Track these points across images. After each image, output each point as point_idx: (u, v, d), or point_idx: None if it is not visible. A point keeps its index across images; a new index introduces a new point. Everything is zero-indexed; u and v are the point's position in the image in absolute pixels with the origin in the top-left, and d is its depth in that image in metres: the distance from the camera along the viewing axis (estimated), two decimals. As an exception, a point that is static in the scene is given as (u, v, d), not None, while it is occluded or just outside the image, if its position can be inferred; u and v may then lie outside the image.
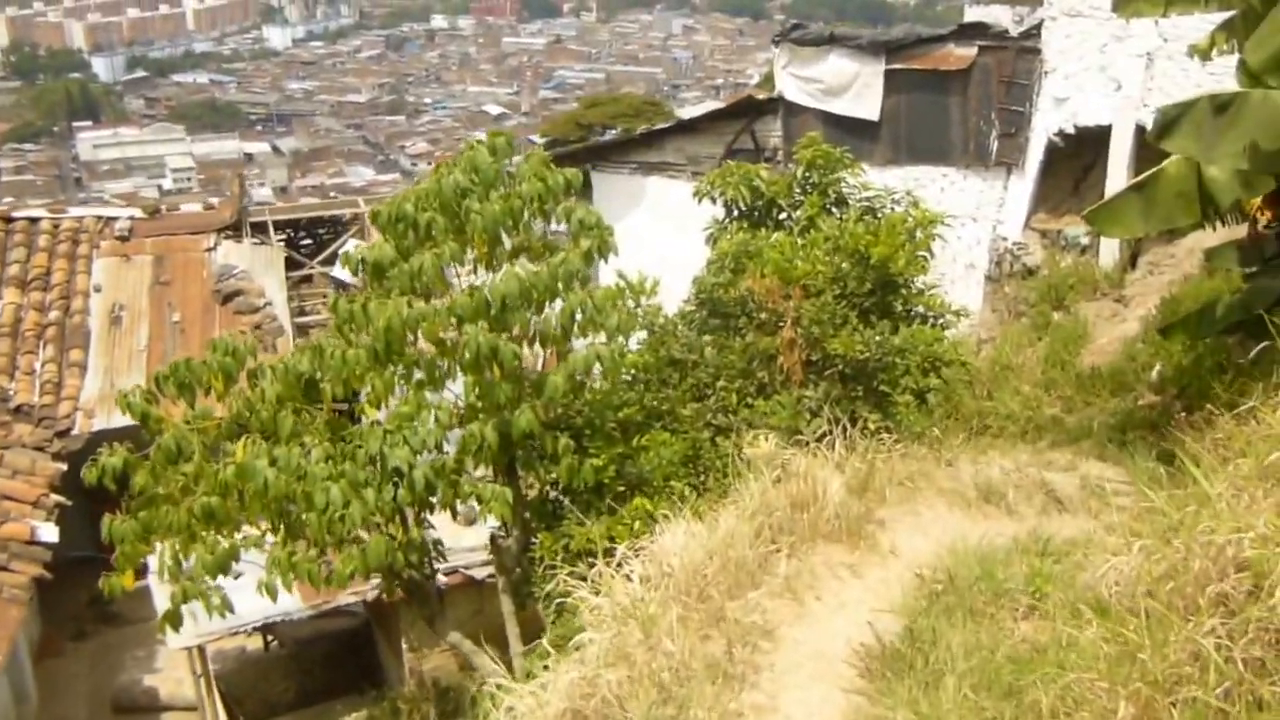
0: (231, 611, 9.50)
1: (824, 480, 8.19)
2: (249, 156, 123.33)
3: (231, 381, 9.78)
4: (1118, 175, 17.74)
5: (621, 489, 9.79)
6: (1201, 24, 15.95)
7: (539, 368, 9.86)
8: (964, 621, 6.54)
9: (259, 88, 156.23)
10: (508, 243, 9.68)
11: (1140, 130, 17.57)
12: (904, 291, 10.14)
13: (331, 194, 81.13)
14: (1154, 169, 9.32)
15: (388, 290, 9.47)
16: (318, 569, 9.02)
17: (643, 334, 10.95)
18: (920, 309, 10.58)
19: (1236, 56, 12.06)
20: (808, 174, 11.59)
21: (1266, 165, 8.42)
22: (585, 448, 9.79)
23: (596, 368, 9.39)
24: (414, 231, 9.44)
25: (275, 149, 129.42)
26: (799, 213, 11.64)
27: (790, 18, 19.97)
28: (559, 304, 9.23)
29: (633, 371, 10.58)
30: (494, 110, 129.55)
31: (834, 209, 11.62)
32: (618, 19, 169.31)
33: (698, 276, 10.98)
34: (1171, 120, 8.52)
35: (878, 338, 9.57)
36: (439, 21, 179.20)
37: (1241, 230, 14.55)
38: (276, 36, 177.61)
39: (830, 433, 8.92)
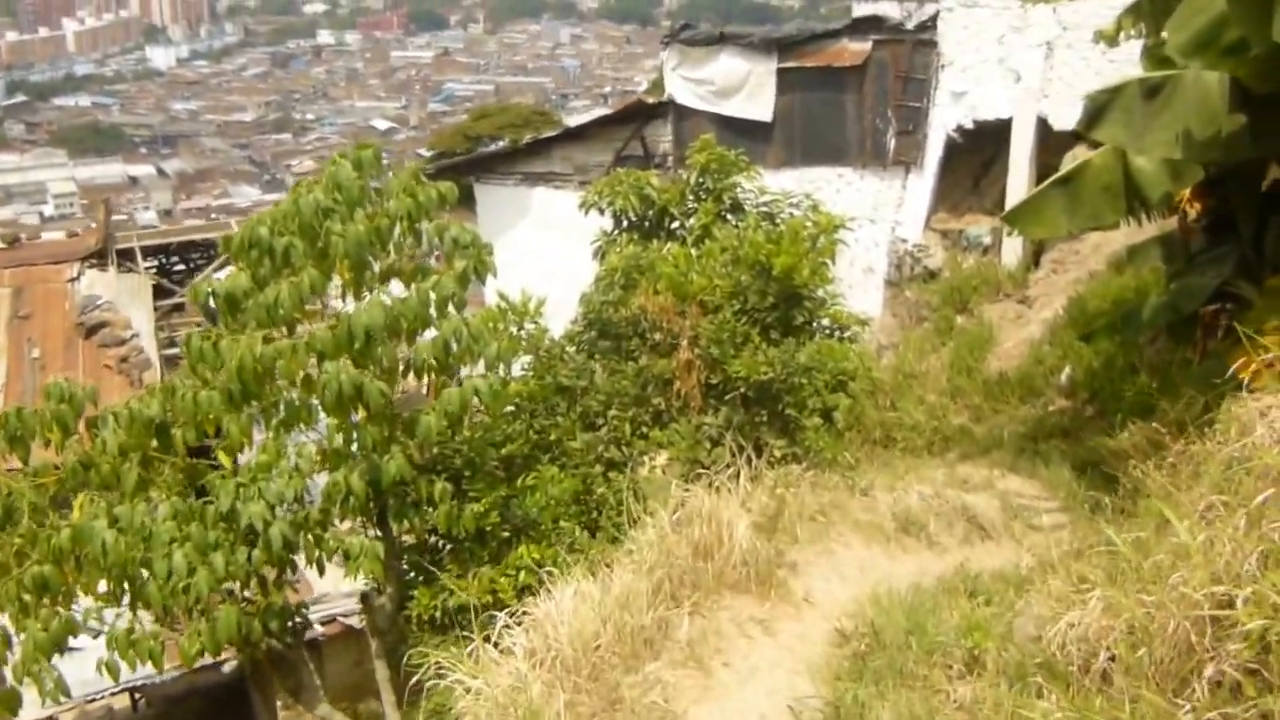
0: (67, 696, 8.33)
1: (729, 520, 7.31)
2: (133, 180, 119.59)
3: (69, 432, 8.65)
4: (1019, 170, 17.34)
5: (506, 534, 8.82)
6: (1102, 10, 15.60)
7: (426, 393, 8.89)
8: (894, 687, 5.69)
9: (143, 109, 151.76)
10: (377, 266, 8.66)
11: (1042, 123, 17.19)
12: (808, 304, 9.33)
13: (215, 215, 78.76)
14: (1079, 162, 8.65)
15: (244, 324, 8.42)
16: (159, 647, 7.88)
17: (528, 359, 9.99)
18: (825, 322, 9.78)
19: (1142, 42, 11.65)
20: (701, 179, 10.77)
21: (1200, 153, 7.80)
22: (465, 490, 8.80)
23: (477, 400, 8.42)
24: (270, 258, 8.36)
25: (160, 171, 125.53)
26: (693, 221, 10.80)
27: (677, 22, 19.13)
28: (434, 333, 8.26)
29: (517, 401, 9.61)
30: (382, 125, 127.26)
31: (730, 216, 10.81)
32: (505, 29, 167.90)
33: (585, 294, 10.05)
34: (1100, 107, 7.85)
35: (783, 357, 8.74)
36: (325, 37, 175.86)
37: (1155, 225, 14.07)
38: (160, 56, 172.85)
39: (734, 463, 8.10)
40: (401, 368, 8.43)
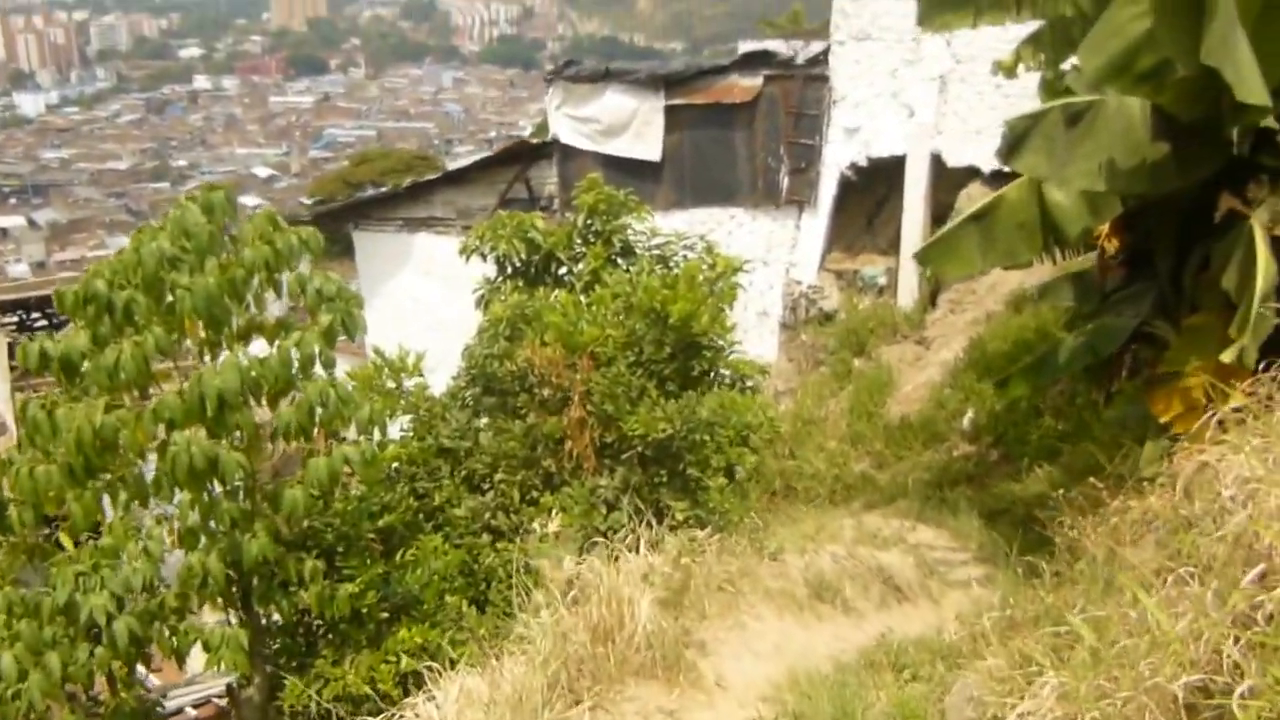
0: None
1: (630, 597, 6.58)
2: (3, 231, 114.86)
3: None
4: (914, 208, 17.08)
5: (386, 614, 7.97)
6: (996, 43, 15.49)
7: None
8: (823, 788, 5.02)
9: (11, 158, 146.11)
10: (237, 321, 7.78)
11: (936, 159, 16.96)
12: (707, 353, 8.70)
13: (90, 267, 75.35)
14: (993, 195, 8.20)
15: (85, 389, 7.52)
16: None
17: (407, 419, 9.19)
18: (725, 372, 9.16)
19: (1040, 74, 11.36)
20: (589, 221, 10.11)
21: (1124, 184, 7.38)
22: (339, 568, 7.94)
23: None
24: (110, 315, 7.44)
25: (31, 222, 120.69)
26: (581, 266, 10.13)
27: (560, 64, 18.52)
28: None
29: (396, 466, 8.79)
30: (263, 172, 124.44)
31: (620, 260, 10.15)
32: (387, 74, 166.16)
33: (468, 346, 9.29)
34: (1020, 136, 7.39)
35: (683, 412, 8.08)
36: (202, 82, 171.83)
37: (1052, 264, 13.76)
38: (28, 103, 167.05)
39: (633, 528, 7.39)
40: (269, 434, 7.59)
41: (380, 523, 8.11)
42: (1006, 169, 16.12)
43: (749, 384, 9.29)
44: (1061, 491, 7.74)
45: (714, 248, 10.07)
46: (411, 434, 8.94)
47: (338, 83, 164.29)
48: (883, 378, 15.85)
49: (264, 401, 7.47)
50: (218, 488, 7.39)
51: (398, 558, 8.01)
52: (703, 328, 8.38)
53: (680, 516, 8.10)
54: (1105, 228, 8.61)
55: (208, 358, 7.62)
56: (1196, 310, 8.10)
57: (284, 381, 7.30)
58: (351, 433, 7.67)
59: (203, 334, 7.29)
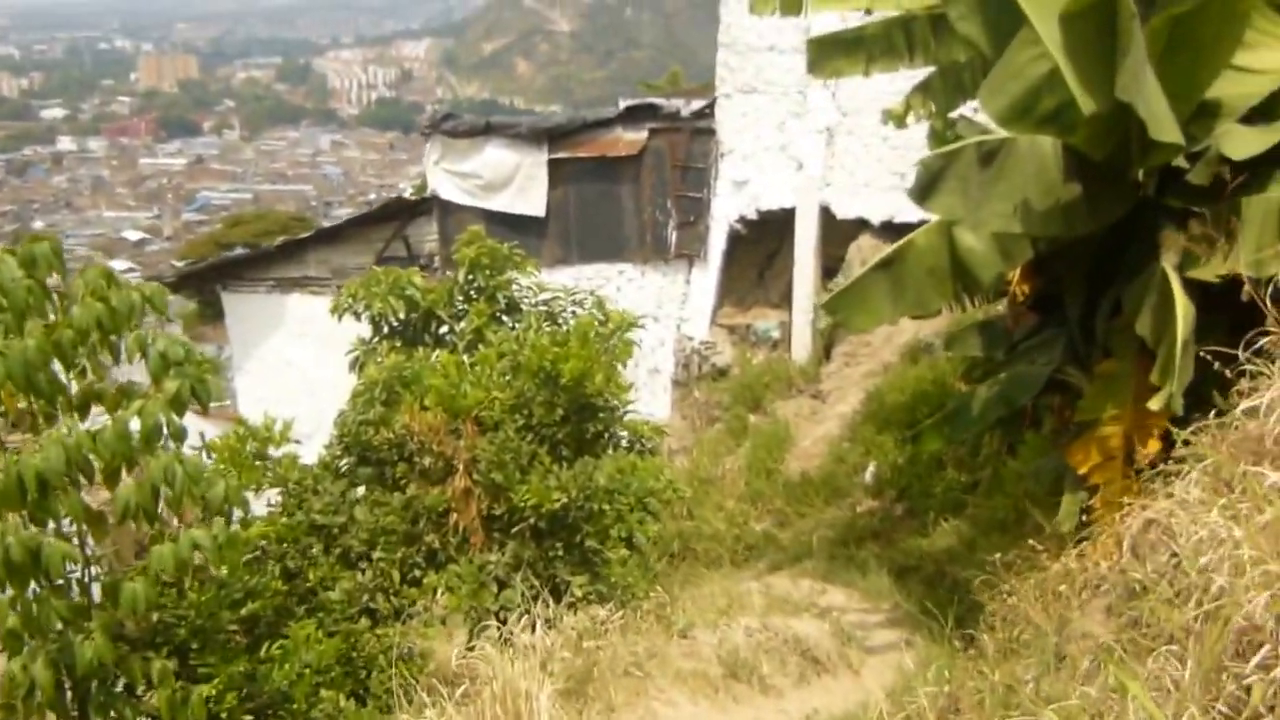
0: None
1: (527, 690, 5.85)
2: None
3: None
4: (804, 261, 16.82)
5: (251, 716, 7.05)
6: (882, 95, 15.31)
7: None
8: None
9: None
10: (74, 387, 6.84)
11: (825, 212, 16.72)
12: (602, 415, 8.05)
13: (-59, 336, 71.88)
14: (901, 241, 7.75)
15: (-111, 469, 6.46)
16: None
17: (275, 493, 8.32)
18: (622, 434, 8.51)
19: (927, 123, 11.09)
20: (471, 277, 9.40)
21: (1039, 226, 6.98)
22: (194, 667, 7.00)
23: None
24: (-90, 385, 6.44)
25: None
26: (464, 325, 9.39)
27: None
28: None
29: (263, 545, 7.91)
30: (134, 236, 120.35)
31: (506, 317, 9.46)
32: (262, 137, 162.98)
33: (342, 413, 8.48)
34: (935, 175, 6.95)
35: (578, 479, 7.39)
36: (67, 143, 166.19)
37: (939, 321, 13.46)
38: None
39: (527, 608, 6.69)
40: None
41: (243, 611, 7.21)
42: (895, 221, 16.16)
43: (647, 446, 8.64)
44: (996, 555, 7.27)
45: (604, 303, 9.43)
46: (280, 509, 8.07)
47: (211, 145, 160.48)
48: (780, 433, 15.45)
49: (101, 480, 6.54)
50: (41, 585, 6.42)
51: (264, 650, 7.11)
52: (597, 388, 7.72)
53: (579, 592, 7.39)
54: (1017, 273, 8.24)
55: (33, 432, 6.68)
56: (1109, 356, 7.77)
57: (123, 457, 6.40)
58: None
59: (25, 404, 6.34)
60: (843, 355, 16.69)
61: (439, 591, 7.49)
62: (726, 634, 7.36)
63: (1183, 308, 6.75)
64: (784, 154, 16.88)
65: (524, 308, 9.53)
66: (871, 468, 13.59)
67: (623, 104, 17.74)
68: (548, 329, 8.60)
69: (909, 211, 15.87)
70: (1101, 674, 4.84)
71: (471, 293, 9.56)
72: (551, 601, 6.94)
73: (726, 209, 17.24)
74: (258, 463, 7.92)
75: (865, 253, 16.47)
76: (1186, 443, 7.55)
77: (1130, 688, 3.56)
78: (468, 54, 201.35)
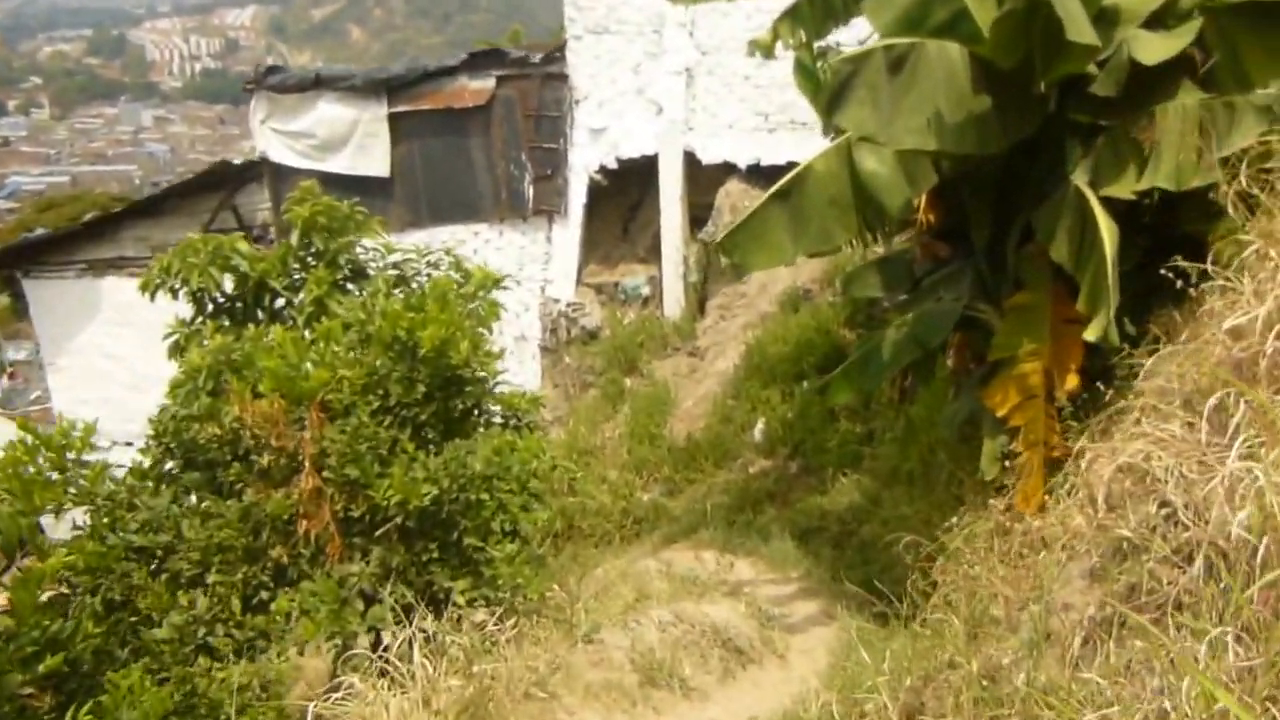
0: None
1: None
2: None
3: None
4: (670, 211, 15.86)
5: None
6: (742, 32, 14.50)
7: None
8: None
9: None
10: None
11: (689, 157, 15.72)
12: (471, 389, 6.89)
13: None
14: (799, 167, 6.76)
15: None
16: None
17: (82, 512, 6.93)
18: (495, 409, 7.37)
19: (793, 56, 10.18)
20: (307, 240, 8.08)
21: (954, 141, 6.10)
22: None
23: None
24: None
25: None
26: (302, 296, 8.08)
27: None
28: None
29: (69, 577, 6.55)
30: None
31: (351, 285, 8.18)
32: (76, 115, 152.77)
33: (162, 408, 7.13)
34: (844, 83, 6.02)
35: (450, 467, 6.24)
36: None
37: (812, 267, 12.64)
38: None
39: (403, 626, 5.59)
40: None
41: (42, 667, 5.86)
42: (763, 164, 15.27)
43: (525, 420, 7.53)
44: (907, 509, 6.44)
45: (463, 262, 8.25)
46: (88, 532, 6.70)
47: (19, 125, 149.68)
48: (659, 395, 14.51)
49: None
50: None
51: (73, 713, 5.79)
52: (462, 357, 6.54)
53: (463, 600, 6.27)
54: (923, 201, 7.37)
55: None
56: (1021, 287, 6.99)
57: None
58: None
59: None
60: (718, 309, 15.81)
61: (292, 616, 6.27)
62: (637, 632, 6.35)
63: (1107, 228, 5.99)
64: (642, 98, 15.86)
65: (371, 272, 8.28)
66: (760, 425, 12.74)
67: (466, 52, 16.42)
68: (400, 294, 7.38)
69: (777, 153, 15.09)
70: (1099, 655, 4.05)
71: (309, 258, 8.25)
72: (431, 615, 5.86)
73: (585, 159, 16.16)
74: (55, 477, 6.52)
75: (734, 198, 15.59)
76: (1111, 377, 6.85)
77: (1221, 697, 2.65)
78: (297, 21, 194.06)
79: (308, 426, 6.49)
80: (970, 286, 7.18)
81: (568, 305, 16.39)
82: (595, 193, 16.43)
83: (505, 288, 8.11)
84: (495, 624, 5.92)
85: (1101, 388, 6.68)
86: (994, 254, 7.05)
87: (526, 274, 16.44)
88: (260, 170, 16.21)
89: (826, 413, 12.06)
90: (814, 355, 12.86)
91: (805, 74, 11.37)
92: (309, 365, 6.63)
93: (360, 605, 6.28)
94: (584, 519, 12.86)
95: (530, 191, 16.21)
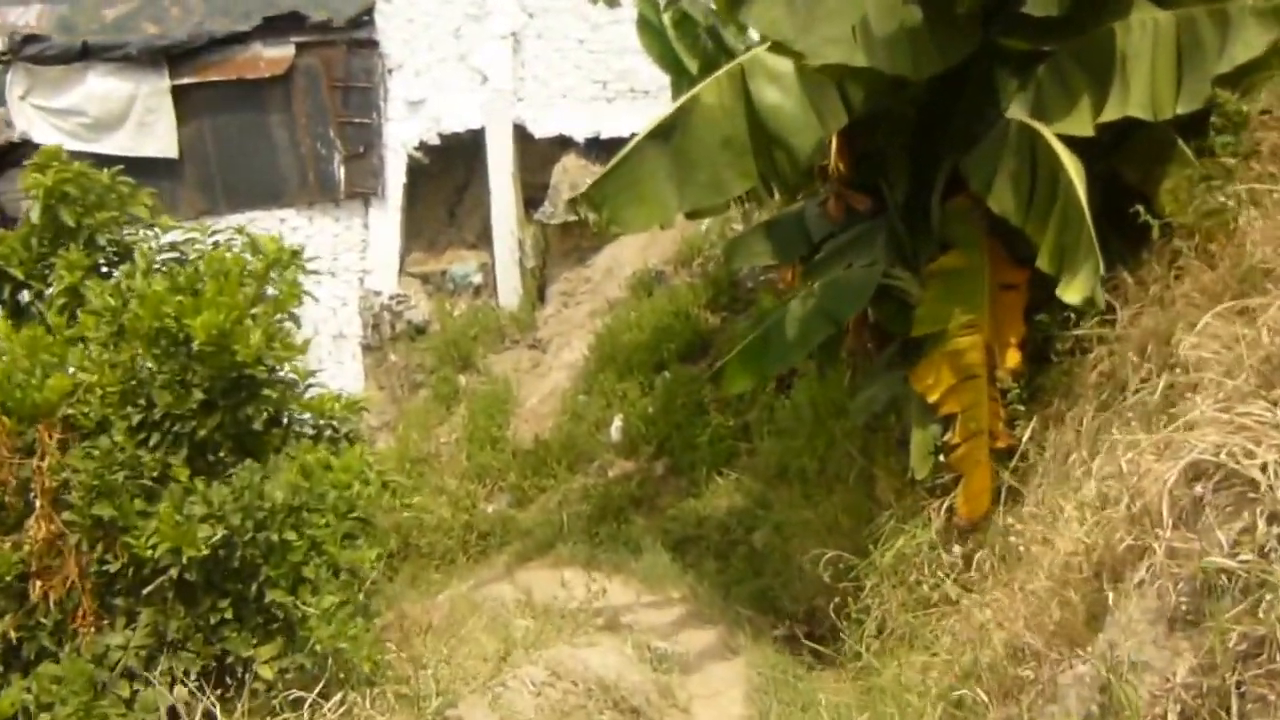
0: None
1: None
2: None
3: None
4: (501, 190, 14.48)
5: None
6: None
7: None
8: None
9: None
10: None
11: (520, 130, 14.23)
12: (269, 394, 5.28)
13: None
14: (683, 99, 5.36)
15: None
16: None
17: None
18: (305, 417, 5.77)
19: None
20: (52, 214, 6.29)
21: (887, 59, 4.83)
22: None
23: None
24: None
25: None
26: (54, 286, 6.27)
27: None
28: None
29: None
30: None
31: (116, 271, 6.41)
32: None
33: None
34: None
35: (240, 499, 4.62)
36: None
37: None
38: None
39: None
40: None
41: None
42: (603, 136, 13.94)
43: (343, 430, 5.94)
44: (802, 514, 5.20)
45: (258, 240, 6.58)
46: None
47: None
48: (499, 394, 13.13)
49: None
50: None
51: None
52: (251, 351, 4.93)
53: (269, 672, 4.69)
54: (834, 144, 6.09)
55: None
56: (948, 248, 5.78)
57: None
58: None
59: None
60: (559, 295, 14.44)
61: (30, 710, 4.58)
62: (505, 699, 4.85)
63: (1073, 166, 4.81)
64: (464, 65, 14.38)
65: (141, 253, 6.53)
66: (617, 422, 11.44)
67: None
68: (162, 271, 5.70)
69: (617, 124, 13.87)
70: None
71: (59, 239, 6.44)
72: (228, 691, 4.33)
73: (402, 135, 14.57)
74: None
75: (573, 175, 14.24)
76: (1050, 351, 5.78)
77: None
78: (88, 20, 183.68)
79: (43, 452, 4.79)
80: (884, 249, 5.95)
81: (390, 298, 14.83)
82: (416, 172, 14.89)
83: (309, 268, 6.48)
84: (314, 701, 4.40)
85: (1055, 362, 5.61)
86: (912, 209, 5.84)
87: (342, 264, 14.79)
88: (22, 154, 13.94)
89: (694, 405, 10.84)
90: (674, 342, 11.63)
91: (650, 32, 10.00)
92: (41, 371, 4.92)
93: (125, 690, 4.63)
94: (422, 535, 11.40)
95: (341, 172, 14.52)
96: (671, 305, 12.14)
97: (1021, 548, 4.38)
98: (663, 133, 5.35)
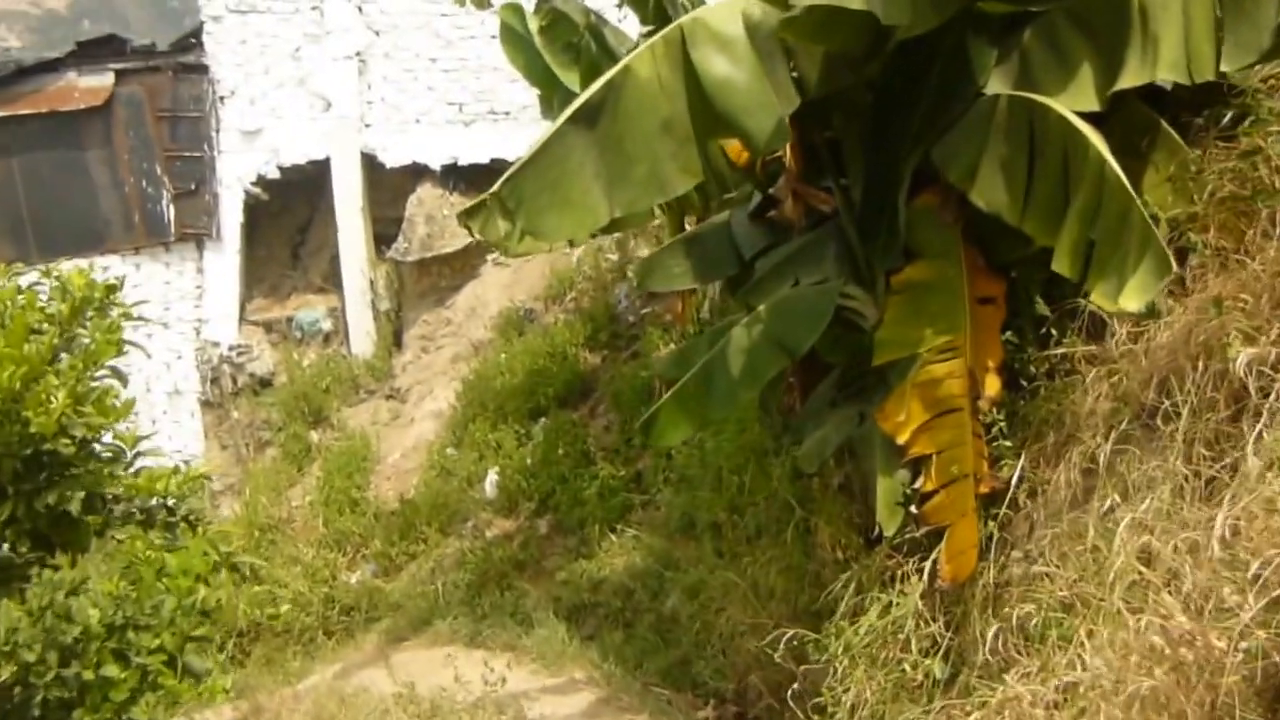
0: None
1: None
2: None
3: None
4: (351, 227, 13.53)
5: None
6: (420, 6, 12.47)
7: None
8: None
9: None
10: None
11: (369, 159, 13.14)
12: (79, 471, 4.11)
13: None
14: (610, 73, 4.35)
15: None
16: None
17: None
18: (132, 498, 4.60)
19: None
20: None
21: (881, 4, 3.98)
22: None
23: None
24: None
25: None
26: None
27: None
28: None
29: None
30: None
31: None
32: None
33: None
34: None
35: (43, 622, 3.45)
36: None
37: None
38: None
39: None
40: None
41: None
42: (462, 163, 12.98)
43: (183, 513, 4.80)
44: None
45: (71, 281, 5.40)
46: None
47: None
48: (357, 450, 12.15)
49: None
50: None
51: None
52: (53, 416, 3.78)
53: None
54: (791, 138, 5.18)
55: None
56: (914, 256, 4.94)
57: None
58: None
59: None
60: (418, 340, 13.41)
61: None
62: None
63: (1101, 142, 4.01)
64: (305, 90, 13.30)
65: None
66: (492, 476, 10.45)
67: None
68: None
69: (477, 150, 12.96)
70: None
71: None
72: None
73: (238, 169, 13.39)
74: None
75: (429, 207, 13.27)
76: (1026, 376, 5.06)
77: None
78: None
79: None
80: (835, 261, 5.07)
81: (231, 349, 13.64)
82: (255, 210, 13.77)
83: (135, 314, 5.36)
84: None
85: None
86: (867, 213, 4.98)
87: (176, 314, 13.53)
88: None
89: (578, 454, 9.90)
90: (552, 385, 10.70)
91: (515, 41, 9.10)
92: None
93: None
94: (276, 612, 10.11)
95: (171, 212, 13.26)
96: (546, 345, 11.20)
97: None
98: (587, 115, 4.29)
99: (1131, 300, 3.68)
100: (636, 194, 4.27)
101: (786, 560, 6.20)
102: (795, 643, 5.18)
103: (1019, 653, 4.14)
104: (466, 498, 10.52)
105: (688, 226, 7.25)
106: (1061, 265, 4.05)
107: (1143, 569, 3.92)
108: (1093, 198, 3.93)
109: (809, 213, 5.14)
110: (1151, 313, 3.79)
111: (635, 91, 4.19)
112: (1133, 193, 3.78)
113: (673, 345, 9.39)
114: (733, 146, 5.32)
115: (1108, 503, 4.23)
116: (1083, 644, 3.82)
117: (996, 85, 4.48)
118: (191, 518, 5.03)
